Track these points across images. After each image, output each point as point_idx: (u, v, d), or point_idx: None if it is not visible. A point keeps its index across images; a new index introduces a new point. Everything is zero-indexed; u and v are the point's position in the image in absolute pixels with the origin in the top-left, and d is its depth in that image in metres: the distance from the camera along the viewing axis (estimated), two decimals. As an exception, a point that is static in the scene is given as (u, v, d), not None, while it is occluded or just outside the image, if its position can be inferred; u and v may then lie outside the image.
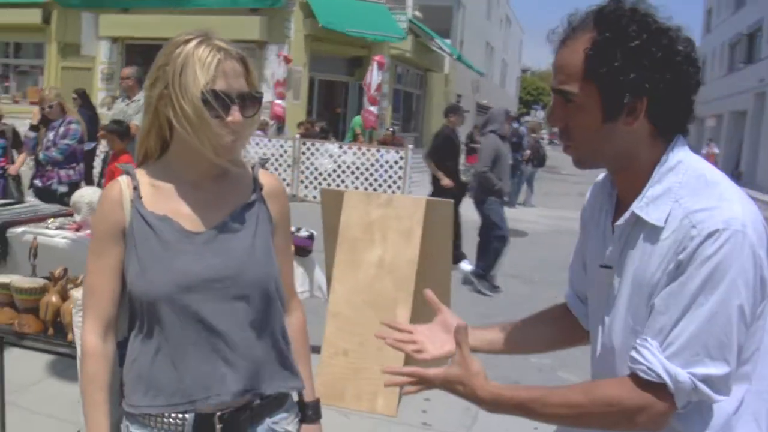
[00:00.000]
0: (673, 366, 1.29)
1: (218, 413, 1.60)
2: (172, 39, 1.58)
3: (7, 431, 3.42)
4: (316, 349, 5.37)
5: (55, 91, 7.17)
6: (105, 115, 9.73)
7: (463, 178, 9.68)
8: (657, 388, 1.31)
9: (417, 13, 22.83)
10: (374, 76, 17.48)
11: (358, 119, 17.55)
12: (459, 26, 28.37)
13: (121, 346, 1.66)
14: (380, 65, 17.71)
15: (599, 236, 1.55)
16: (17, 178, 7.44)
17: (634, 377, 1.35)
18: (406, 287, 4.47)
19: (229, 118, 1.52)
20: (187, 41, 1.55)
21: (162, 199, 1.62)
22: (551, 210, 15.51)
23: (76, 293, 2.72)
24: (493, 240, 8.05)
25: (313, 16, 17.58)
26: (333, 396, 4.32)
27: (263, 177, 1.74)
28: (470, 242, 8.82)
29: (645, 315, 1.37)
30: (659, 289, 1.34)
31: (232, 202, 1.66)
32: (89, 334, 1.62)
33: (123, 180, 1.64)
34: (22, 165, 7.52)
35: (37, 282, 3.10)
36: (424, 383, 1.53)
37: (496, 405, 1.44)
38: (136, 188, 1.62)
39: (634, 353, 1.35)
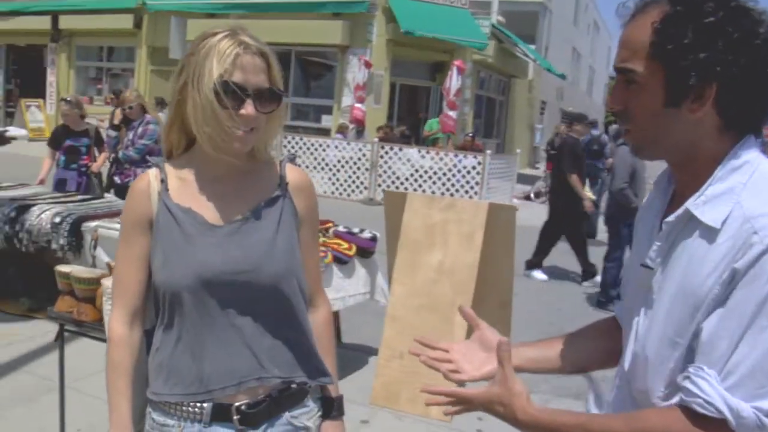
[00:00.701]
0: (735, 399, 1.15)
1: (236, 404, 1.62)
2: (204, 31, 1.61)
3: (67, 417, 3.55)
4: (374, 351, 5.42)
5: (135, 93, 7.45)
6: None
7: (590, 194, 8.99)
8: (715, 423, 1.17)
9: (500, 18, 22.65)
10: (454, 81, 17.43)
11: (431, 122, 17.47)
12: (544, 32, 27.97)
13: (149, 335, 1.70)
14: (460, 70, 17.63)
15: (645, 233, 1.42)
16: (98, 176, 7.75)
17: (687, 410, 1.21)
18: (465, 292, 4.43)
19: (242, 111, 1.53)
20: (215, 34, 1.57)
21: (187, 191, 1.65)
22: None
23: (107, 282, 2.80)
24: (615, 261, 7.62)
25: (395, 21, 17.68)
26: (388, 398, 4.32)
27: (290, 172, 1.75)
28: (528, 249, 8.74)
29: (688, 326, 1.23)
30: (711, 302, 1.20)
31: (257, 197, 1.68)
32: (115, 322, 1.66)
33: (152, 172, 1.68)
34: (104, 163, 7.83)
35: (95, 272, 3.22)
36: (464, 404, 1.46)
37: (535, 429, 1.35)
38: (163, 180, 1.66)
39: (687, 384, 1.20)
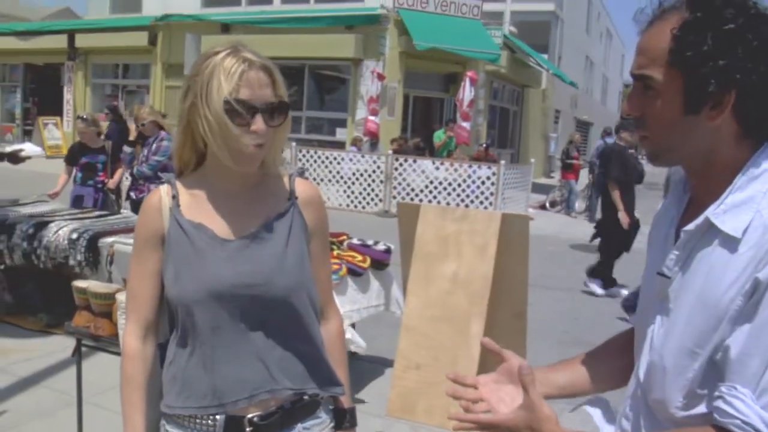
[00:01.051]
0: None
1: (248, 416, 1.63)
2: (205, 52, 1.64)
3: (84, 430, 3.58)
4: (390, 363, 5.42)
5: (149, 109, 7.53)
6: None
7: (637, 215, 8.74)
8: None
9: (512, 29, 22.70)
10: (467, 92, 17.48)
11: (438, 133, 17.47)
12: (557, 41, 27.97)
13: (163, 348, 1.72)
14: (472, 81, 17.69)
15: (660, 241, 1.41)
16: (115, 191, 7.83)
17: (722, 431, 1.18)
18: (479, 302, 4.42)
19: (253, 127, 1.56)
20: (217, 53, 1.59)
21: (199, 207, 1.67)
22: (648, 227, 14.84)
23: (121, 296, 2.83)
24: None
25: (408, 34, 17.73)
26: (405, 409, 4.31)
27: (299, 186, 1.77)
28: (544, 258, 8.67)
29: (709, 337, 1.21)
30: (734, 313, 1.18)
31: (267, 211, 1.69)
32: (129, 337, 1.69)
33: (163, 188, 1.71)
34: (120, 179, 7.90)
35: (111, 287, 3.25)
36: (492, 429, 1.40)
37: None
38: (174, 197, 1.68)
39: (722, 404, 1.17)
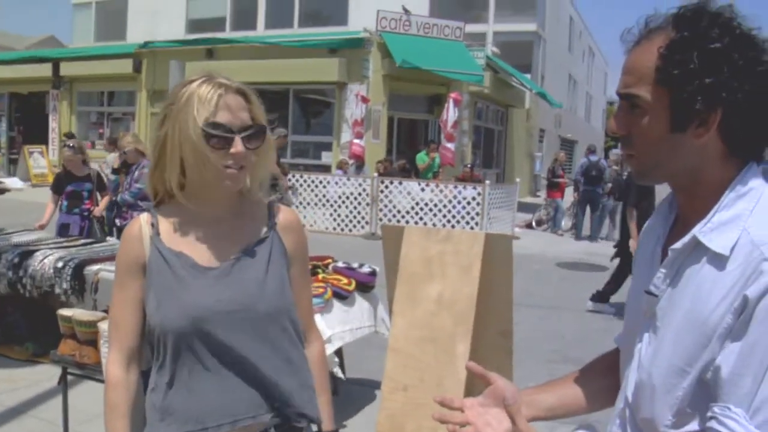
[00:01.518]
0: None
1: None
2: (180, 82, 1.68)
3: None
4: (378, 385, 5.41)
5: (132, 137, 7.55)
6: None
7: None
8: None
9: (495, 50, 22.86)
10: (450, 113, 17.59)
11: (420, 155, 17.50)
12: (540, 60, 28.21)
13: (146, 375, 1.74)
14: (456, 102, 17.80)
15: (646, 259, 1.41)
16: (101, 219, 7.82)
17: None
18: (465, 322, 4.42)
19: (232, 150, 1.59)
20: (192, 81, 1.64)
21: (178, 235, 1.70)
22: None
23: (103, 325, 2.84)
24: None
25: (391, 56, 17.85)
26: (393, 431, 4.31)
27: (278, 211, 1.79)
28: (530, 277, 8.69)
29: (698, 355, 1.22)
30: (724, 330, 1.18)
31: (246, 237, 1.72)
32: (112, 365, 1.70)
33: (143, 217, 1.74)
34: (105, 207, 7.90)
35: (96, 315, 3.26)
36: None
37: None
38: (154, 225, 1.70)
39: (716, 425, 1.17)
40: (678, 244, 1.29)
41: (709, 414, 1.20)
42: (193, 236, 1.70)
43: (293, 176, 15.68)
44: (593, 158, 15.67)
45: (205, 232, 1.70)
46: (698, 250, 1.26)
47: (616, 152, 16.29)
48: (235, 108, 1.62)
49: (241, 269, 1.68)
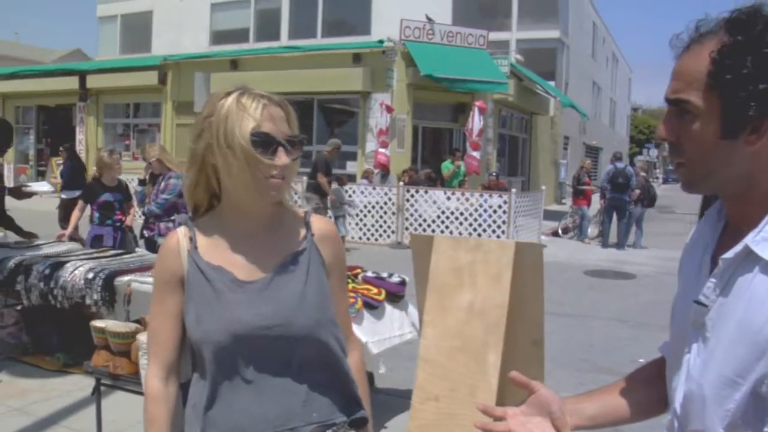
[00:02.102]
0: None
1: None
2: (213, 94, 1.68)
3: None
4: (410, 395, 5.38)
5: (156, 148, 7.58)
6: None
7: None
8: None
9: (518, 57, 22.81)
10: (476, 122, 17.55)
11: (445, 164, 17.48)
12: (564, 67, 28.13)
13: (185, 388, 1.74)
14: (481, 110, 17.77)
15: (694, 268, 1.37)
16: (131, 230, 7.86)
17: None
18: (496, 332, 4.40)
19: (277, 160, 1.59)
20: (228, 94, 1.64)
21: (216, 249, 1.70)
22: (662, 251, 14.80)
23: (142, 337, 2.85)
24: None
25: (415, 65, 17.87)
26: (424, 442, 4.28)
27: (315, 222, 1.79)
28: (557, 285, 8.63)
29: (751, 367, 1.18)
30: None
31: (284, 250, 1.72)
32: (151, 378, 1.70)
33: (180, 231, 1.74)
34: (134, 218, 7.93)
35: (130, 326, 3.27)
36: None
37: None
38: (191, 239, 1.71)
39: None
40: (729, 254, 1.25)
41: (766, 429, 1.17)
42: (231, 250, 1.70)
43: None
44: (619, 165, 15.57)
45: (243, 245, 1.70)
46: (750, 259, 1.22)
47: (642, 159, 16.17)
48: (278, 119, 1.63)
49: (281, 283, 1.68)
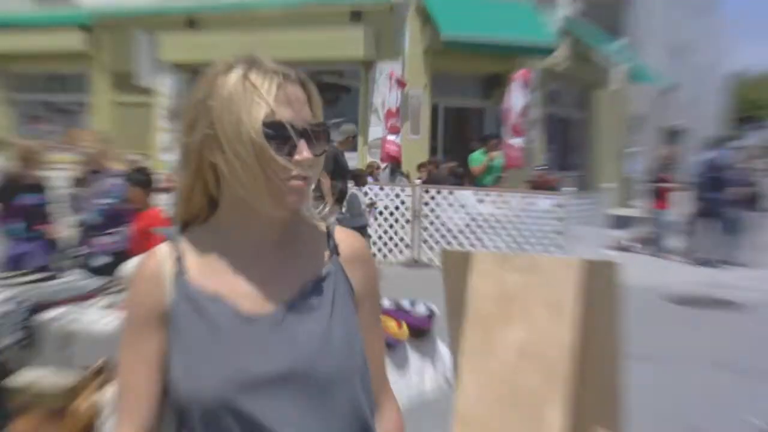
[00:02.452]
0: None
1: None
2: (209, 68, 1.64)
3: None
4: (441, 466, 5.36)
5: (94, 136, 7.55)
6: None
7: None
8: None
9: (574, 8, 22.60)
10: (516, 99, 17.37)
11: (475, 155, 17.30)
12: (634, 21, 28.01)
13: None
14: (524, 83, 17.55)
15: None
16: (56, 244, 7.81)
17: None
18: (557, 380, 4.39)
19: (297, 157, 1.57)
20: (230, 67, 1.61)
21: (212, 272, 1.67)
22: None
23: (107, 395, 2.82)
24: None
25: (433, 24, 17.82)
26: None
27: (341, 237, 1.78)
28: (628, 315, 8.52)
29: None
30: None
31: (302, 274, 1.70)
32: None
33: (162, 249, 1.71)
34: (63, 228, 7.86)
35: (67, 379, 3.23)
36: None
37: None
38: (179, 259, 1.68)
39: None
40: None
41: None
42: (232, 273, 1.67)
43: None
44: (719, 153, 15.40)
45: (247, 267, 1.68)
46: None
47: (742, 144, 15.98)
48: (298, 102, 1.60)
49: (298, 318, 1.66)
